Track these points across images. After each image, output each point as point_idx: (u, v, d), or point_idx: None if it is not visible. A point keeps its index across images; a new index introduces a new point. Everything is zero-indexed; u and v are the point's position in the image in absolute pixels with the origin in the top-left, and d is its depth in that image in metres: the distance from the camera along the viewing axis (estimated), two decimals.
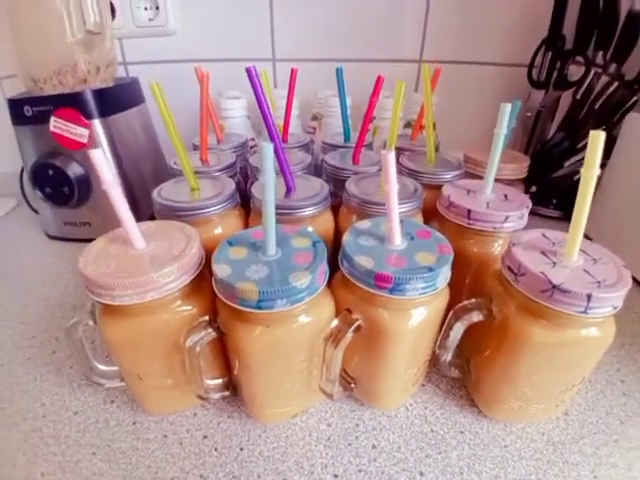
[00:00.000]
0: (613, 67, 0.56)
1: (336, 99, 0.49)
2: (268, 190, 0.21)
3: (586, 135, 0.65)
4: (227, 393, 0.29)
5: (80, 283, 0.48)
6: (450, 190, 0.34)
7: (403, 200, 0.32)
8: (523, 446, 0.29)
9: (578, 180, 0.65)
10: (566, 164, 0.62)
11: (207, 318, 0.25)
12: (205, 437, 0.30)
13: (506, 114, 0.30)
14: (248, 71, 0.27)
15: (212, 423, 0.31)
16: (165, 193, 0.33)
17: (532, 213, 0.70)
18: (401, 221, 0.28)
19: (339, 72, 0.44)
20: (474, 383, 0.31)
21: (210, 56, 0.65)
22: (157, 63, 0.66)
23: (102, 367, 0.30)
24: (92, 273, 0.23)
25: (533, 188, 0.66)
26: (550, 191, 0.65)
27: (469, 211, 0.31)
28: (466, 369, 0.31)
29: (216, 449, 0.29)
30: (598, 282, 0.23)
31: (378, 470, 0.27)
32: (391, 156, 0.22)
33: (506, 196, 0.34)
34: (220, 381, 0.30)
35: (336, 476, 0.27)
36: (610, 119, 0.57)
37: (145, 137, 0.60)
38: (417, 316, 0.25)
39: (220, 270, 0.23)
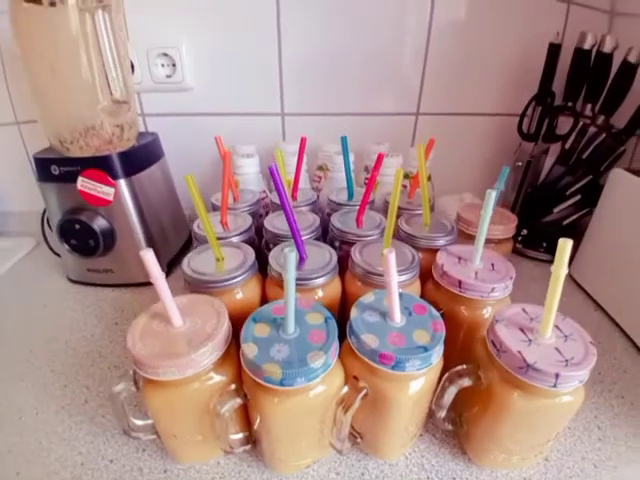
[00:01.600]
0: (601, 119, 0.61)
1: (340, 157, 0.54)
2: (289, 289, 0.26)
3: (574, 182, 0.69)
4: (248, 447, 0.33)
5: (105, 331, 0.52)
6: (443, 259, 0.39)
7: (402, 270, 0.37)
8: None
9: (567, 225, 0.69)
10: (555, 210, 0.66)
11: (234, 387, 0.30)
12: None
13: (491, 201, 0.35)
14: (271, 171, 0.32)
15: (234, 472, 0.35)
16: (194, 264, 0.37)
17: (523, 255, 0.75)
18: (401, 295, 0.32)
19: (344, 141, 0.49)
20: (465, 435, 0.35)
21: (223, 110, 0.70)
22: (173, 116, 0.72)
23: (139, 422, 0.34)
24: (140, 353, 0.27)
25: (524, 231, 0.71)
26: (540, 235, 0.69)
27: (460, 282, 0.36)
28: (458, 422, 0.35)
29: None
30: (566, 360, 0.27)
31: None
32: (392, 257, 0.27)
33: (493, 265, 0.38)
34: (242, 435, 0.34)
35: None
36: (598, 168, 0.61)
37: (165, 189, 0.65)
38: (415, 386, 0.29)
39: (248, 350, 0.27)
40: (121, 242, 0.58)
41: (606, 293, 0.56)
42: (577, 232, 0.63)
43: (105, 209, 0.55)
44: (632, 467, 0.34)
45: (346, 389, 0.30)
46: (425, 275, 0.41)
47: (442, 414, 0.33)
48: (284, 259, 0.25)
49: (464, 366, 0.32)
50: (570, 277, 0.63)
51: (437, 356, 0.29)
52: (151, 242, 0.59)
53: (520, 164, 0.69)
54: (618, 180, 0.55)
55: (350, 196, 0.52)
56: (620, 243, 0.53)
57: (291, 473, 0.34)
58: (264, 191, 0.60)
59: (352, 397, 0.29)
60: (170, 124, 0.71)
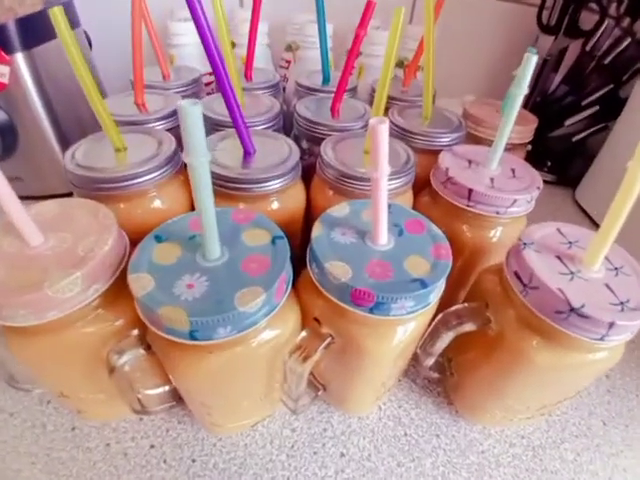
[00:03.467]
0: (626, 21, 0.49)
1: (314, 26, 0.39)
2: (201, 177, 0.15)
3: (592, 92, 0.58)
4: (173, 403, 0.25)
5: None
6: (448, 161, 0.28)
7: (392, 175, 0.26)
8: (501, 452, 0.27)
9: (577, 142, 0.59)
10: (567, 123, 0.56)
11: (137, 332, 0.20)
12: (152, 447, 0.26)
13: (530, 67, 0.23)
14: None
15: (160, 430, 0.27)
16: (82, 156, 0.25)
17: None
18: (389, 206, 0.22)
19: None
20: (455, 386, 0.28)
21: None
22: None
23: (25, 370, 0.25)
24: None
25: (528, 147, 0.61)
26: (545, 152, 0.59)
27: (470, 191, 0.25)
28: (447, 368, 0.28)
29: (165, 461, 0.25)
30: (621, 303, 0.18)
31: None
32: (383, 129, 0.15)
33: (513, 171, 0.28)
34: (163, 390, 0.25)
35: None
36: (619, 77, 0.51)
37: None
38: (401, 334, 0.20)
39: (138, 284, 0.17)
40: (26, 139, 0.44)
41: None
42: (586, 152, 0.55)
43: (2, 97, 0.40)
44: None
45: (303, 335, 0.21)
46: (419, 185, 0.30)
47: (429, 362, 0.25)
48: (180, 118, 0.13)
49: (466, 305, 0.23)
50: (575, 202, 0.55)
51: (438, 293, 0.20)
52: (64, 138, 0.45)
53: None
54: None
55: (325, 80, 0.39)
56: None
57: (232, 434, 0.27)
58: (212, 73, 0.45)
59: (311, 346, 0.20)
60: None
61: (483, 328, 0.23)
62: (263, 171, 0.25)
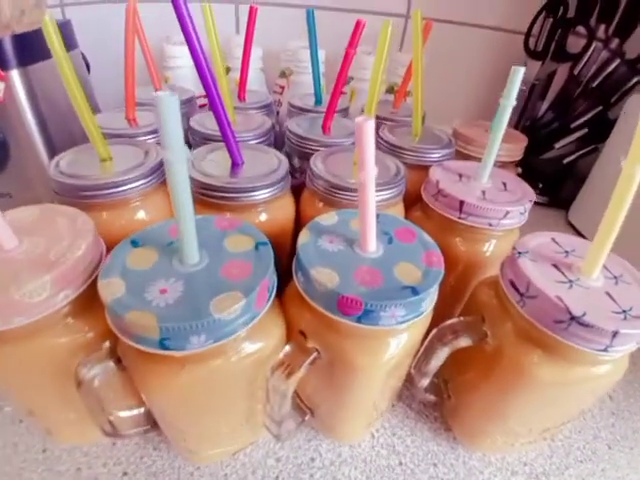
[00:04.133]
0: (615, 42, 0.51)
1: (307, 52, 0.40)
2: (176, 175, 0.14)
3: (581, 115, 0.59)
4: (147, 427, 0.23)
5: None
6: (439, 174, 0.28)
7: (382, 186, 0.25)
8: None
9: (568, 163, 0.60)
10: (557, 145, 0.57)
11: (107, 345, 0.18)
12: (125, 474, 0.24)
13: (517, 80, 0.23)
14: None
15: (134, 457, 0.25)
16: (66, 165, 0.24)
17: None
18: (377, 215, 0.21)
19: (310, 15, 0.35)
20: (453, 409, 0.26)
21: None
22: (97, 3, 0.54)
23: None
24: None
25: (519, 169, 0.61)
26: (537, 174, 0.60)
27: (462, 203, 0.25)
28: (443, 390, 0.26)
29: None
30: (624, 312, 0.17)
31: None
32: (369, 126, 0.15)
33: (505, 185, 0.28)
34: (137, 412, 0.23)
35: None
36: (608, 99, 0.52)
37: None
38: (393, 347, 0.19)
39: (107, 290, 0.15)
40: (17, 156, 0.43)
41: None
42: (577, 174, 0.56)
43: None
44: None
45: (287, 349, 0.19)
46: (410, 201, 0.30)
47: (424, 383, 0.24)
48: (155, 109, 0.13)
49: (461, 318, 0.22)
50: (568, 223, 0.55)
51: (431, 301, 0.19)
52: (55, 155, 0.45)
53: (523, 88, 0.58)
54: (636, 109, 0.46)
55: (318, 101, 0.39)
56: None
57: (210, 462, 0.24)
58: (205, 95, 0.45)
59: (296, 362, 0.19)
60: (94, 15, 0.53)
61: (480, 344, 0.21)
62: (250, 180, 0.24)
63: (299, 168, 0.34)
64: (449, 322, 0.22)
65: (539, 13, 0.55)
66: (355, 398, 0.21)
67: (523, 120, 0.61)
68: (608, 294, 0.18)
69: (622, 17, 0.50)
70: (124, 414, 0.22)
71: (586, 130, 0.56)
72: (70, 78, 0.23)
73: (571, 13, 0.54)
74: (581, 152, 0.57)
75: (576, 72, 0.54)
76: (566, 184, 0.57)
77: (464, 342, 0.21)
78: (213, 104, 0.24)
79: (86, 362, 0.18)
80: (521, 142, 0.38)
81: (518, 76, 0.23)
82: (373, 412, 0.23)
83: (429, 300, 0.18)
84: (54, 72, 0.45)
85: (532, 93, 0.58)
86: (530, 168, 0.60)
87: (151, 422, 0.23)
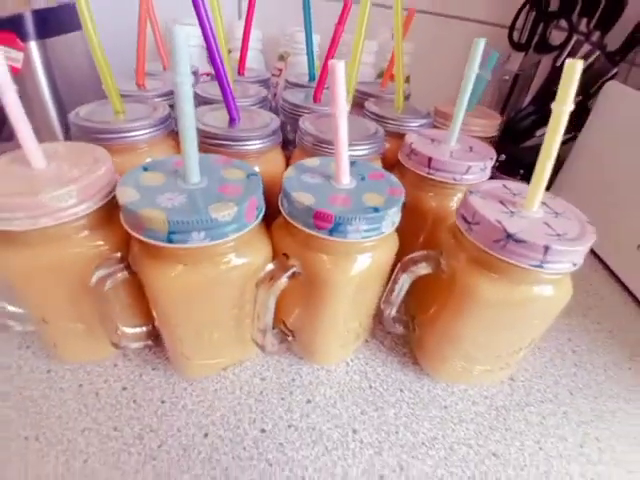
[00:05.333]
0: (596, 35, 0.54)
1: (303, 34, 0.44)
2: (182, 95, 0.17)
3: None
4: (149, 342, 0.26)
5: None
6: (413, 138, 0.31)
7: (361, 141, 0.29)
8: (464, 408, 0.28)
9: None
10: (538, 133, 0.61)
11: (119, 255, 0.22)
12: (124, 389, 0.27)
13: (479, 50, 0.27)
14: None
15: (133, 375, 0.28)
16: (84, 113, 0.28)
17: None
18: (353, 162, 0.25)
19: None
20: (418, 341, 0.30)
21: None
22: None
23: (11, 308, 0.26)
24: None
25: (502, 156, 0.65)
26: (518, 161, 0.63)
27: (430, 159, 0.28)
28: (411, 326, 0.30)
29: (135, 401, 0.26)
30: (558, 235, 0.21)
31: (309, 426, 0.26)
32: (340, 67, 0.18)
33: (471, 148, 0.31)
34: (140, 329, 0.26)
35: (264, 431, 0.25)
36: (587, 90, 0.56)
37: (88, 66, 0.52)
38: (359, 263, 0.22)
39: (124, 194, 0.19)
40: (31, 122, 0.47)
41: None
42: (557, 160, 0.59)
43: (13, 80, 0.43)
44: (613, 400, 0.30)
45: (271, 266, 0.23)
46: (390, 166, 0.33)
47: (392, 312, 0.27)
48: (170, 41, 0.16)
49: (422, 252, 0.26)
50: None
51: (390, 224, 0.22)
52: (67, 124, 0.48)
53: (507, 77, 0.62)
54: (612, 94, 0.49)
55: (311, 77, 0.43)
56: (606, 169, 0.47)
57: (201, 375, 0.28)
58: (208, 74, 0.49)
59: (277, 275, 0.22)
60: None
61: (437, 273, 0.25)
62: (245, 132, 0.28)
63: (292, 140, 0.38)
64: (410, 256, 0.25)
65: (522, 7, 0.59)
66: (328, 312, 0.24)
67: (507, 110, 0.65)
68: (546, 223, 0.22)
69: (603, 11, 0.53)
70: (129, 330, 0.26)
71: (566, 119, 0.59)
72: (96, 43, 0.27)
73: (555, 7, 0.57)
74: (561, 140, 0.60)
75: (558, 63, 0.57)
76: None
77: (423, 270, 0.25)
78: (214, 63, 0.27)
79: (100, 266, 0.21)
80: (495, 119, 0.42)
81: (479, 46, 0.27)
82: (344, 330, 0.26)
83: (389, 221, 0.22)
84: (68, 47, 0.49)
85: (516, 83, 0.62)
86: (512, 156, 0.64)
87: (152, 338, 0.27)
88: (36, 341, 0.30)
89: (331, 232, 0.20)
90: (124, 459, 0.24)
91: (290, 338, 0.27)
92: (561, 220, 0.22)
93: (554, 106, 0.20)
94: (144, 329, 0.27)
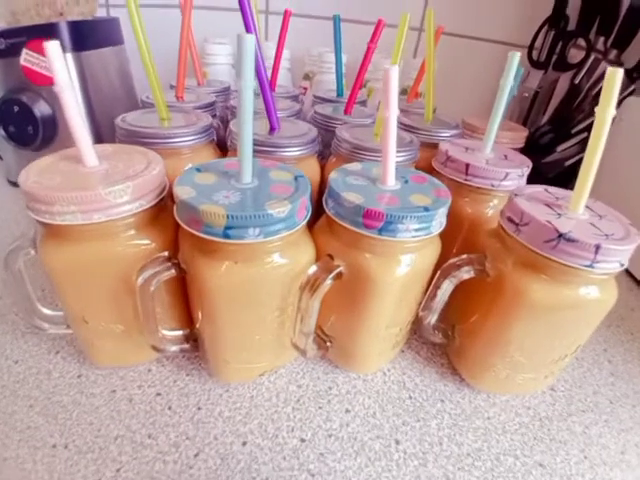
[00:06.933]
0: (613, 53, 0.56)
1: (331, 55, 0.46)
2: (245, 97, 0.18)
3: (581, 120, 0.63)
4: (186, 346, 0.26)
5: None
6: (448, 146, 0.32)
7: (398, 150, 0.29)
8: (507, 419, 0.27)
9: (570, 165, 0.64)
10: (559, 149, 0.61)
11: (166, 253, 0.22)
12: (159, 394, 0.27)
13: (514, 63, 0.28)
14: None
15: (168, 380, 0.28)
16: (131, 119, 0.29)
17: None
18: (396, 168, 0.25)
19: (336, 20, 0.40)
20: (458, 350, 0.29)
21: (199, 3, 0.60)
22: (142, 7, 0.61)
23: (46, 310, 0.27)
24: (32, 186, 0.19)
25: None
26: (540, 176, 0.63)
27: (467, 166, 0.29)
28: (450, 335, 0.29)
29: (170, 407, 0.26)
30: (606, 235, 0.21)
31: (350, 436, 0.25)
32: (394, 71, 0.19)
33: (506, 156, 0.31)
34: (179, 333, 0.26)
35: (303, 440, 0.25)
36: None
37: (120, 81, 0.55)
38: (405, 263, 0.22)
39: (182, 191, 0.19)
40: (64, 133, 0.49)
41: None
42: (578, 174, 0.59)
43: (48, 91, 0.45)
44: None
45: (314, 268, 0.23)
46: None
47: (432, 319, 0.27)
48: (237, 46, 0.17)
49: (465, 255, 0.25)
50: None
51: (439, 224, 0.22)
52: (98, 137, 0.50)
53: (527, 95, 0.63)
54: (631, 110, 0.50)
55: (340, 92, 0.44)
56: (625, 184, 0.47)
57: (239, 380, 0.27)
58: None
59: (322, 277, 0.22)
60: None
61: (482, 277, 0.24)
62: (285, 139, 0.28)
63: (321, 152, 0.38)
64: (452, 260, 0.25)
65: (542, 26, 0.61)
66: (371, 314, 0.24)
67: (528, 125, 0.65)
68: (593, 225, 0.22)
69: (620, 30, 0.54)
70: (168, 333, 0.26)
71: (586, 134, 0.60)
72: (145, 53, 0.28)
73: (572, 26, 0.59)
74: (582, 155, 0.60)
75: (577, 81, 0.58)
76: (568, 185, 0.61)
77: (466, 274, 0.24)
78: (259, 75, 0.28)
79: (148, 264, 0.21)
80: (522, 132, 0.42)
81: (514, 60, 0.27)
82: (385, 336, 0.26)
83: (438, 222, 0.22)
84: (103, 64, 0.52)
85: (535, 100, 0.63)
86: (534, 170, 0.64)
87: (190, 342, 0.26)
88: (66, 346, 0.29)
89: (380, 231, 0.20)
90: (159, 468, 0.23)
91: (329, 344, 0.27)
92: (605, 222, 0.22)
93: (597, 112, 0.20)
94: (182, 332, 0.26)
